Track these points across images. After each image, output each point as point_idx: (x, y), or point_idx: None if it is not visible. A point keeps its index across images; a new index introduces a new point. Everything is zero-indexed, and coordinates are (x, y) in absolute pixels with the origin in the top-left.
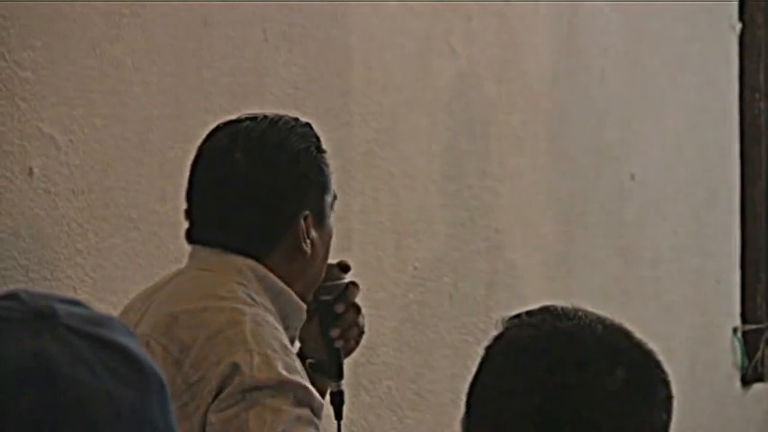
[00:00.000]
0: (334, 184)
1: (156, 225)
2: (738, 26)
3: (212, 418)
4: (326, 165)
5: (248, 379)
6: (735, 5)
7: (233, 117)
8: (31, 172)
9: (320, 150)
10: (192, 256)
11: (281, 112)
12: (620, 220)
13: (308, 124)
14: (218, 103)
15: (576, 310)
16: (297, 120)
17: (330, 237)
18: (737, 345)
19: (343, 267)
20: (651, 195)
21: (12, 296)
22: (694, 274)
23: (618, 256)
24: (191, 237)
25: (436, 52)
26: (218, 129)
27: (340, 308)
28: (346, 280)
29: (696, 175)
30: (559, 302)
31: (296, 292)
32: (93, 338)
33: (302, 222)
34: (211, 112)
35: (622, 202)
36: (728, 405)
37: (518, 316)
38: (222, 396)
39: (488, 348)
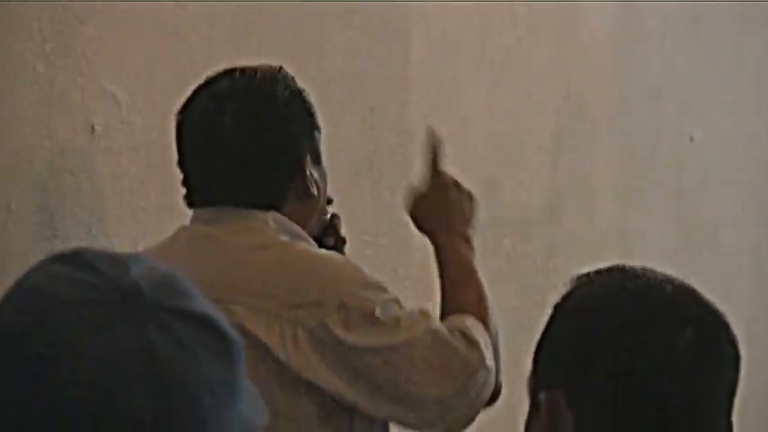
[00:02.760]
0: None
1: None
2: None
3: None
4: (310, 103)
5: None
6: None
7: (210, 75)
8: (93, 129)
9: (302, 91)
10: (201, 218)
11: (342, 78)
12: (678, 187)
13: (281, 68)
14: (280, 64)
15: (645, 270)
16: (271, 67)
17: (325, 173)
18: None
19: (328, 201)
20: (710, 161)
21: (85, 265)
22: (752, 243)
23: (676, 224)
24: (195, 200)
25: (496, 19)
26: (197, 93)
27: (330, 241)
28: (331, 212)
29: (756, 140)
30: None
31: (308, 233)
32: (185, 316)
33: (305, 166)
34: None
35: (681, 170)
36: None
37: (587, 274)
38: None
39: (557, 306)
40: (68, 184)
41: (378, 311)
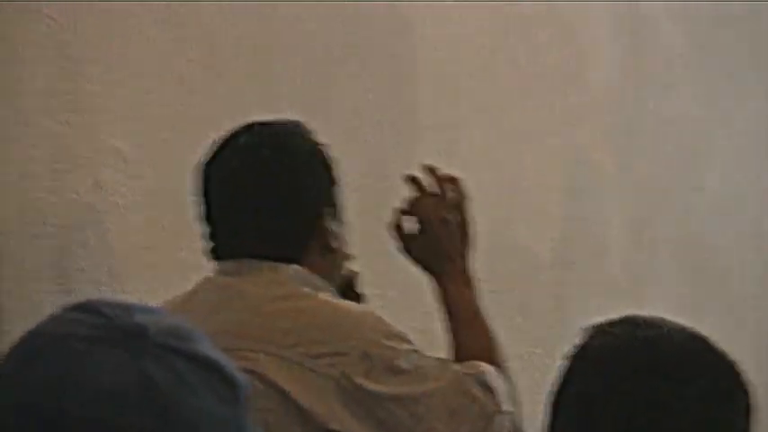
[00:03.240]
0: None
1: None
2: None
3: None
4: (329, 157)
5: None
6: None
7: (227, 134)
8: (99, 185)
9: (320, 145)
10: (225, 271)
11: (350, 125)
12: (688, 232)
13: (299, 123)
14: (285, 115)
15: (657, 319)
16: (290, 121)
17: (344, 228)
18: None
19: (346, 257)
20: (719, 208)
21: (91, 310)
22: (764, 285)
23: (688, 268)
24: (218, 252)
25: (501, 65)
26: (221, 147)
27: (349, 296)
28: (349, 269)
29: (765, 185)
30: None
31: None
32: (187, 356)
33: (324, 220)
34: None
35: (690, 215)
36: None
37: (599, 324)
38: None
39: (570, 356)
40: (76, 240)
41: (400, 361)
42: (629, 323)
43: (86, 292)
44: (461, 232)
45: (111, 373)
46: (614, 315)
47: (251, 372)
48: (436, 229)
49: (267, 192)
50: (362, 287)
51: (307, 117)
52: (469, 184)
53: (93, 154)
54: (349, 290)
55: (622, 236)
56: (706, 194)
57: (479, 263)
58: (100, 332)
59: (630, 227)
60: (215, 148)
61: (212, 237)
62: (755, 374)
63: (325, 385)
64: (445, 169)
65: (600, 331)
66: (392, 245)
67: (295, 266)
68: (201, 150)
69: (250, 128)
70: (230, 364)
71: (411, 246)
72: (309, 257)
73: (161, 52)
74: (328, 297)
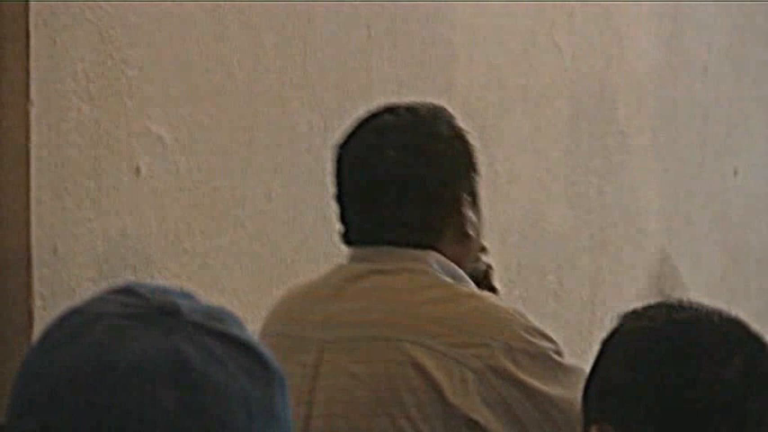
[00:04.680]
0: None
1: (263, 224)
2: None
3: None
4: (471, 143)
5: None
6: None
7: (372, 111)
8: (138, 171)
9: (463, 131)
10: (362, 257)
11: None
12: (724, 215)
13: (444, 108)
14: (324, 100)
15: (691, 303)
16: (434, 105)
17: (480, 218)
18: None
19: (482, 249)
20: (755, 191)
21: (128, 291)
22: None
23: (722, 252)
24: (352, 238)
25: (540, 48)
26: (358, 127)
27: (482, 290)
28: (485, 262)
29: None
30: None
31: None
32: (219, 335)
33: (463, 205)
34: (316, 110)
35: (727, 198)
36: None
37: (634, 310)
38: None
39: (605, 341)
40: (114, 226)
41: (543, 358)
42: (665, 307)
43: (124, 277)
44: None
45: (144, 348)
46: (650, 300)
47: (396, 356)
48: None
49: (407, 176)
50: (497, 281)
51: (345, 103)
52: (508, 170)
53: (132, 139)
54: (484, 283)
55: (659, 219)
56: (741, 177)
57: (517, 247)
58: (135, 310)
59: (667, 210)
60: (352, 128)
61: (344, 220)
62: None
63: (467, 376)
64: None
65: (635, 316)
66: None
67: (434, 254)
68: (240, 135)
69: (391, 109)
70: (264, 348)
71: None
72: (445, 244)
73: (202, 37)
74: (470, 289)
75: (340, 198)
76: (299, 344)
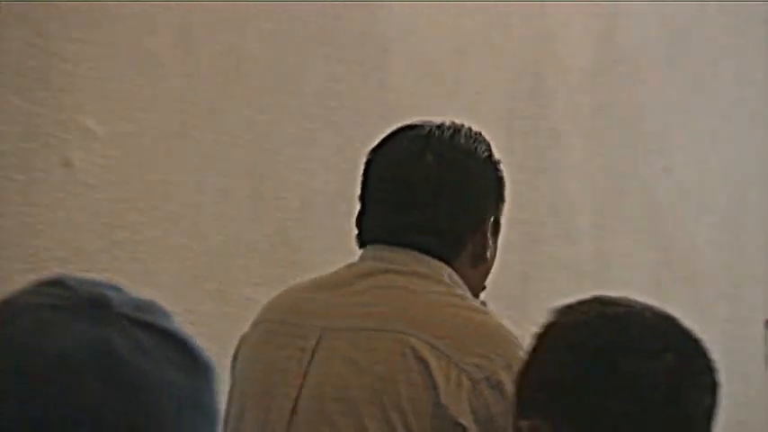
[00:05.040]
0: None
1: (194, 217)
2: None
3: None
4: (503, 173)
5: None
6: None
7: (411, 122)
8: (69, 163)
9: (498, 159)
10: (377, 257)
11: (318, 105)
12: (655, 213)
13: (482, 134)
14: (257, 95)
15: (624, 299)
16: (473, 128)
17: (496, 248)
18: None
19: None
20: (685, 189)
21: (58, 283)
22: (727, 267)
23: (653, 249)
24: (369, 236)
25: (474, 46)
26: (399, 133)
27: None
28: (481, 298)
29: (730, 168)
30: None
31: None
32: (148, 326)
33: (486, 228)
34: (248, 105)
35: (658, 196)
36: (760, 397)
37: (567, 305)
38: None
39: (538, 336)
40: (45, 219)
41: None
42: (597, 302)
43: (53, 270)
44: None
45: (71, 339)
46: (582, 296)
47: (400, 348)
48: None
49: (442, 183)
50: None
51: (279, 97)
52: None
53: (63, 133)
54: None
55: (591, 217)
56: (674, 176)
57: None
58: (64, 302)
59: (599, 207)
60: (389, 134)
61: (363, 221)
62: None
63: (464, 382)
64: None
65: (568, 311)
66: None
67: (449, 269)
68: (172, 130)
69: (430, 123)
70: (195, 341)
71: None
72: (461, 263)
73: (133, 31)
74: (481, 306)
75: (365, 197)
76: (299, 330)
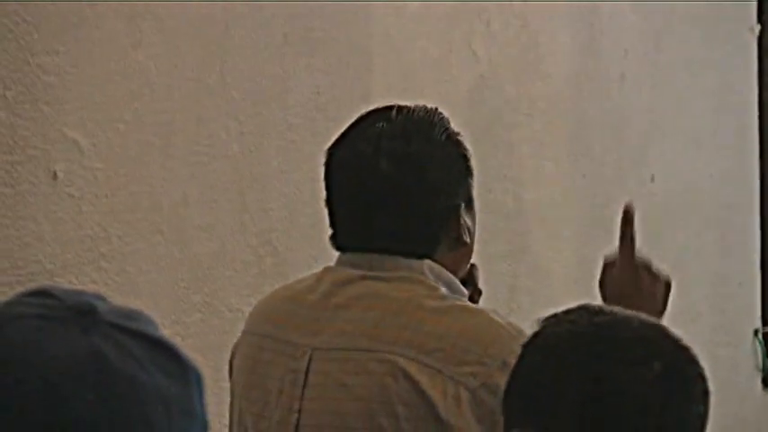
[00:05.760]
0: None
1: (180, 229)
2: (757, 28)
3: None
4: (466, 147)
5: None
6: (753, 7)
7: (362, 113)
8: (54, 176)
9: (457, 134)
10: (353, 262)
11: (302, 117)
12: (641, 222)
13: (437, 109)
14: (241, 107)
15: (612, 308)
16: (427, 108)
17: (475, 222)
18: (759, 347)
19: None
20: (670, 197)
21: (44, 293)
22: (716, 276)
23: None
24: (343, 243)
25: (456, 56)
26: (349, 131)
27: (468, 290)
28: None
29: (716, 176)
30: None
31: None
32: (135, 334)
33: (460, 212)
34: (233, 117)
35: (643, 205)
36: (749, 407)
37: (554, 314)
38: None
39: (526, 345)
40: (31, 231)
41: None
42: (585, 311)
43: (41, 283)
44: (663, 290)
45: (62, 348)
46: (569, 305)
47: (390, 370)
48: (644, 275)
49: (401, 189)
50: (480, 281)
51: (262, 109)
52: None
53: (49, 145)
54: (470, 283)
55: (576, 225)
56: (658, 184)
57: None
58: (52, 311)
59: (584, 216)
60: (343, 132)
61: (334, 224)
62: (711, 364)
63: (462, 394)
64: None
65: (556, 320)
66: None
67: (429, 262)
68: (157, 141)
69: (382, 112)
70: (180, 348)
71: (609, 279)
72: (441, 251)
73: (117, 43)
74: (464, 303)
75: (330, 202)
76: (287, 348)
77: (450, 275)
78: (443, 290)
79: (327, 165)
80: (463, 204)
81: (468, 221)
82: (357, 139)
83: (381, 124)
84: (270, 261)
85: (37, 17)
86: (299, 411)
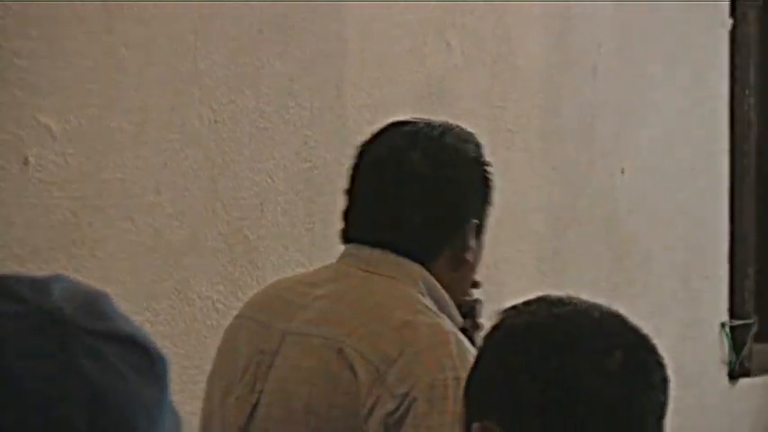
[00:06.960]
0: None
1: (151, 216)
2: (729, 22)
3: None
4: (491, 177)
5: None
6: (726, 2)
7: (403, 119)
8: (26, 161)
9: (487, 162)
10: (354, 255)
11: (276, 104)
12: (611, 215)
13: (473, 135)
14: (214, 94)
15: (571, 298)
16: (465, 129)
17: (482, 250)
18: (725, 340)
19: (474, 284)
20: (641, 190)
21: (6, 294)
22: (683, 269)
23: (608, 251)
24: (350, 234)
25: (431, 46)
26: (389, 129)
27: (467, 323)
28: (475, 297)
29: (685, 170)
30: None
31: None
32: (108, 336)
33: (468, 230)
34: (207, 104)
35: (613, 198)
36: (716, 400)
37: (514, 306)
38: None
39: (486, 337)
40: (1, 216)
41: (442, 405)
42: (545, 302)
43: (9, 268)
44: None
45: (41, 366)
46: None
47: (337, 358)
48: None
49: (426, 180)
50: (482, 316)
51: (236, 97)
52: None
53: (21, 130)
54: (470, 317)
55: (546, 218)
56: (629, 177)
57: None
58: (20, 323)
59: (554, 208)
60: (380, 130)
61: (348, 217)
62: (678, 358)
63: (386, 400)
64: None
65: (516, 311)
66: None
67: (425, 272)
68: (129, 128)
69: (422, 121)
70: (146, 337)
71: None
72: (440, 264)
73: (91, 29)
74: (433, 320)
75: (352, 194)
76: (264, 331)
77: (444, 294)
78: (428, 303)
79: (358, 157)
80: (475, 225)
81: (474, 245)
82: (394, 136)
83: (420, 127)
84: (240, 249)
85: (9, 1)
86: (261, 392)
